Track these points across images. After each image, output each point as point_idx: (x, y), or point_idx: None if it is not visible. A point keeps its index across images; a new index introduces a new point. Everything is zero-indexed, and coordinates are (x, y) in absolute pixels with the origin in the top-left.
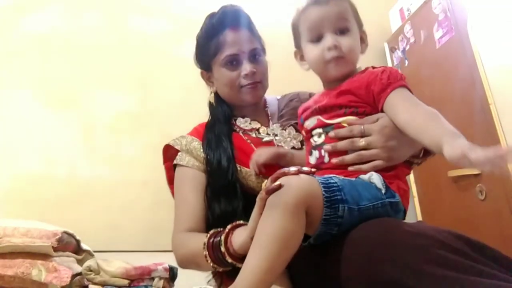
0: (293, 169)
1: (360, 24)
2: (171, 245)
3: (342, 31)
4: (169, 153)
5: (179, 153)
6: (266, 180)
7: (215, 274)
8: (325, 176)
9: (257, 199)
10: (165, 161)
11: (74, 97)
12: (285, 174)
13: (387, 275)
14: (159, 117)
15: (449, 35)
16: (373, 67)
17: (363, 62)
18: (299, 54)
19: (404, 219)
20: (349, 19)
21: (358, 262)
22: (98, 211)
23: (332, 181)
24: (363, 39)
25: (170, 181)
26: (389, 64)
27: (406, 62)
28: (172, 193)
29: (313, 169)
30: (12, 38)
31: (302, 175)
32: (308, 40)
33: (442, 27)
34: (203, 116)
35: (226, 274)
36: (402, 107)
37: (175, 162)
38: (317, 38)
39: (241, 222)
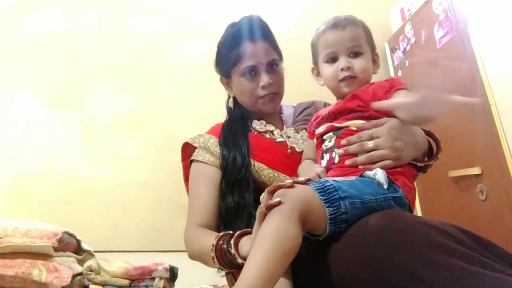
0: (287, 181)
1: (373, 48)
2: (172, 245)
3: (356, 54)
4: (187, 151)
5: (196, 150)
6: (263, 194)
7: (228, 273)
8: (320, 180)
9: (257, 213)
10: (183, 159)
11: (74, 97)
12: (280, 186)
13: (395, 261)
14: (159, 117)
15: (450, 35)
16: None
17: None
18: (316, 71)
19: None
20: (363, 44)
21: (367, 248)
22: (98, 211)
23: (327, 183)
24: (375, 61)
25: (187, 178)
26: (390, 64)
27: (407, 62)
28: (187, 190)
29: (307, 177)
30: (13, 38)
31: (297, 185)
32: (324, 61)
33: (443, 27)
34: (203, 115)
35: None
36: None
37: (192, 158)
38: (332, 60)
39: (249, 229)
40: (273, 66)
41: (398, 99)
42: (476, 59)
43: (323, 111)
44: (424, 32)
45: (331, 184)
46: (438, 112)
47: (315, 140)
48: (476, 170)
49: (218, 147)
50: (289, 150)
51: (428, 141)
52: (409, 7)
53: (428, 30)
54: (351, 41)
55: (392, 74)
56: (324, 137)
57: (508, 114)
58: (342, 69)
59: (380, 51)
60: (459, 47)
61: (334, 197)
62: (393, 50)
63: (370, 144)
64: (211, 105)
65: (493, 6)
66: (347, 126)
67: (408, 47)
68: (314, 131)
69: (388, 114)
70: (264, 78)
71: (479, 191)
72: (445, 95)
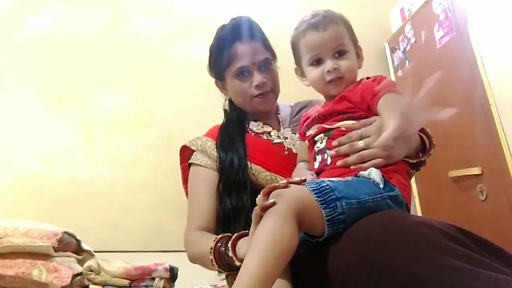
0: (282, 182)
1: (355, 42)
2: (172, 245)
3: (340, 53)
4: (186, 154)
5: (194, 153)
6: (259, 195)
7: (228, 276)
8: (316, 180)
9: (253, 215)
10: (181, 162)
11: (75, 97)
12: (275, 187)
13: (394, 262)
14: (159, 117)
15: (450, 35)
16: (367, 78)
17: (364, 62)
18: (300, 71)
19: (408, 212)
20: (346, 42)
21: (366, 249)
22: (98, 211)
23: (323, 184)
24: (359, 54)
25: (185, 181)
26: (390, 64)
27: (407, 62)
28: (186, 193)
29: (303, 178)
30: (13, 38)
31: (292, 186)
32: (308, 64)
33: (443, 27)
34: (203, 116)
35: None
36: (389, 108)
37: (190, 161)
38: (317, 62)
39: (246, 231)
40: (266, 65)
41: (388, 124)
42: (476, 59)
43: (312, 112)
44: (424, 32)
45: (327, 185)
46: (419, 125)
47: (307, 141)
48: (476, 170)
49: (215, 149)
50: (286, 152)
51: (421, 137)
52: (409, 7)
53: (428, 30)
54: (334, 41)
55: (392, 74)
56: (316, 138)
57: (508, 114)
58: (328, 71)
59: (380, 51)
60: (459, 47)
61: (330, 197)
62: (393, 50)
63: (360, 143)
64: (211, 105)
65: (493, 6)
66: (338, 127)
67: (408, 47)
68: (304, 133)
69: (377, 113)
70: (258, 78)
71: (479, 191)
72: (423, 108)
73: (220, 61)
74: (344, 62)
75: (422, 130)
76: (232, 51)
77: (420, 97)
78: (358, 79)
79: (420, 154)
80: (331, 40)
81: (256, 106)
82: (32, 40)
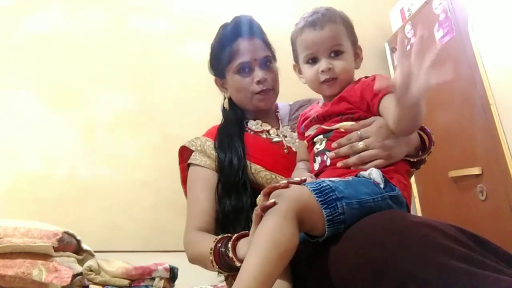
0: (283, 182)
1: (354, 42)
2: (172, 245)
3: (336, 53)
4: (185, 154)
5: (193, 153)
6: (259, 196)
7: (228, 277)
8: (317, 180)
9: (253, 215)
10: (180, 162)
11: (74, 97)
12: (276, 188)
13: (394, 262)
14: (159, 117)
15: (450, 35)
16: (366, 77)
17: (364, 62)
18: (298, 68)
19: (408, 212)
20: (343, 42)
21: (366, 250)
22: (98, 211)
23: (324, 184)
24: (358, 55)
25: (184, 181)
26: (390, 64)
27: None
28: (185, 193)
29: (303, 178)
30: (13, 38)
31: (292, 186)
32: (304, 62)
33: (443, 27)
34: (203, 116)
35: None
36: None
37: (189, 161)
38: (313, 60)
39: (247, 232)
40: (267, 63)
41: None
42: (476, 59)
43: (311, 112)
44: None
45: (328, 185)
46: (419, 90)
47: (306, 142)
48: (476, 170)
49: (214, 150)
50: (285, 150)
51: (421, 135)
52: (409, 7)
53: (428, 30)
54: (330, 40)
55: (392, 74)
56: (315, 139)
57: (508, 114)
58: (322, 71)
59: (380, 51)
60: (459, 47)
61: (330, 198)
62: (393, 50)
63: (360, 145)
64: (211, 105)
65: (493, 6)
66: (337, 129)
67: (408, 47)
68: (303, 133)
69: (376, 114)
70: (259, 73)
71: (479, 191)
72: (425, 70)
73: (221, 57)
74: (339, 63)
75: (421, 129)
76: (234, 48)
77: (422, 58)
78: (356, 78)
79: (420, 153)
80: (328, 40)
81: (257, 103)
82: (32, 40)
